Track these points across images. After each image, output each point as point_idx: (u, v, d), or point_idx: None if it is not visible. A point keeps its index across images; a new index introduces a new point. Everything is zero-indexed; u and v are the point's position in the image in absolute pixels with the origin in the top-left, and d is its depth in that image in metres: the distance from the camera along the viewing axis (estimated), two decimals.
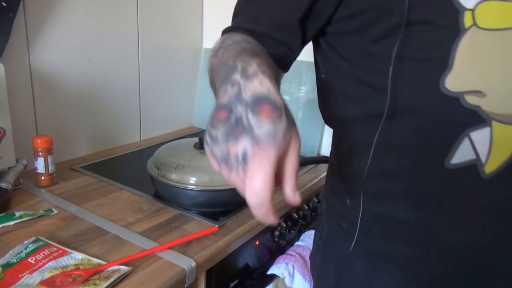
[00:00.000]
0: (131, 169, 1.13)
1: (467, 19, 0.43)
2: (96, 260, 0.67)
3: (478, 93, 0.44)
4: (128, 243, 0.74)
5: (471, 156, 0.46)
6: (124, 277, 0.64)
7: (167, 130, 1.45)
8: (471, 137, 0.45)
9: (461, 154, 0.46)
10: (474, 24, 0.43)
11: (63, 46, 1.04)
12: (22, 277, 0.62)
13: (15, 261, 0.65)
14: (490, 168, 0.45)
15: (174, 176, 0.87)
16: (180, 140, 1.04)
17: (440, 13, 0.45)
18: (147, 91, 1.32)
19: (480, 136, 0.44)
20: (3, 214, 0.79)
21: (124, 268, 0.65)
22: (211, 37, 1.49)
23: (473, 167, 0.46)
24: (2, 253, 0.67)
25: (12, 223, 0.77)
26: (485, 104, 0.44)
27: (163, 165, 0.89)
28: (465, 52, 0.43)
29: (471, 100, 0.44)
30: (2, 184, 0.84)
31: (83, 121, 1.14)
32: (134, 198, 0.92)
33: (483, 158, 0.45)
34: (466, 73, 0.44)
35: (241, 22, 0.58)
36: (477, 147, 0.45)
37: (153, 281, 0.64)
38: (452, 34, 0.44)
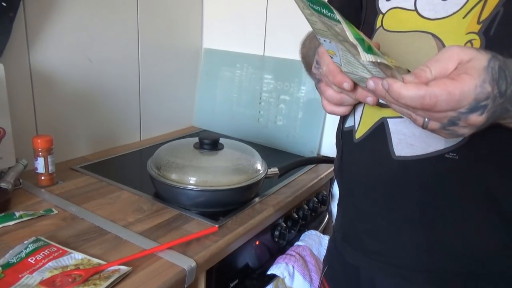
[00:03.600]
0: (131, 169, 1.13)
1: (378, 21, 0.56)
2: (96, 260, 0.67)
3: None
4: (128, 243, 0.74)
5: (352, 123, 0.60)
6: (124, 277, 0.64)
7: (167, 130, 1.45)
8: (355, 109, 0.59)
9: (349, 120, 0.61)
10: (381, 26, 0.55)
11: (63, 46, 1.04)
12: (22, 277, 0.62)
13: (15, 261, 0.65)
14: (358, 134, 0.59)
15: (174, 176, 0.87)
16: (180, 140, 1.04)
17: (370, 14, 0.58)
18: (147, 91, 1.32)
19: (358, 108, 0.59)
20: (3, 214, 0.79)
21: (124, 268, 0.65)
22: (211, 37, 1.49)
23: (351, 132, 0.60)
24: (2, 253, 0.67)
25: (12, 223, 0.77)
26: None
27: (163, 165, 0.89)
28: None
29: None
30: (2, 184, 0.84)
31: (83, 121, 1.14)
32: (134, 198, 0.92)
33: (356, 125, 0.59)
34: None
35: None
36: (356, 116, 0.59)
37: (153, 281, 0.64)
38: (370, 31, 0.57)
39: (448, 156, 0.50)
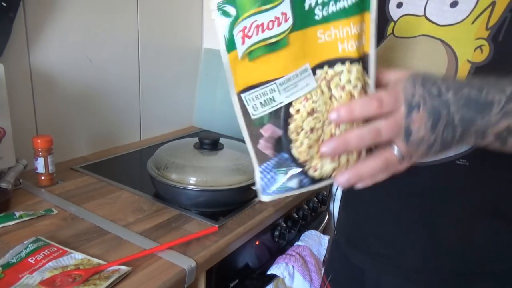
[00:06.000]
0: (131, 169, 1.13)
1: (389, 29, 0.57)
2: (96, 260, 0.67)
3: None
4: (128, 243, 0.74)
5: None
6: (124, 277, 0.64)
7: (167, 130, 1.45)
8: None
9: None
10: (392, 33, 0.56)
11: (63, 46, 1.04)
12: (22, 277, 0.62)
13: (15, 261, 0.65)
14: None
15: (174, 176, 0.87)
16: (180, 140, 1.04)
17: (379, 22, 0.56)
18: (147, 91, 1.32)
19: None
20: (3, 214, 0.79)
21: (124, 268, 0.65)
22: (211, 37, 1.49)
23: None
24: (2, 253, 0.67)
25: (12, 223, 0.77)
26: None
27: (163, 165, 0.89)
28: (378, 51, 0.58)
29: None
30: (2, 184, 0.84)
31: (83, 121, 1.14)
32: (134, 198, 0.92)
33: None
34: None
35: None
36: None
37: (153, 281, 0.64)
38: (379, 38, 0.57)
39: (458, 162, 0.51)
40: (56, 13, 1.01)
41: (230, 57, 0.43)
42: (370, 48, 0.42)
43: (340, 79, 0.42)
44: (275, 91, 0.42)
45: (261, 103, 0.43)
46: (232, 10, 0.42)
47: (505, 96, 0.40)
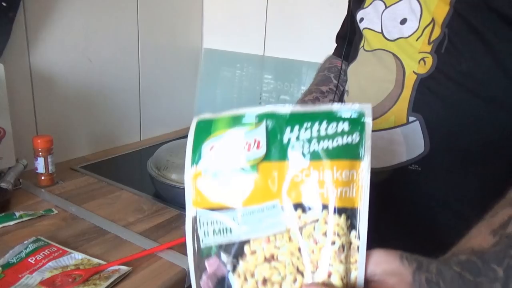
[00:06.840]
0: (131, 169, 1.13)
1: (361, 43, 0.65)
2: (96, 260, 0.67)
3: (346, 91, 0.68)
4: (128, 243, 0.74)
5: None
6: (124, 277, 0.64)
7: (167, 130, 1.45)
8: None
9: None
10: (363, 46, 0.64)
11: (63, 46, 1.04)
12: (22, 277, 0.62)
13: (15, 261, 0.65)
14: None
15: (174, 176, 0.87)
16: (180, 140, 1.04)
17: (358, 38, 0.66)
18: (147, 91, 1.31)
19: None
20: (3, 214, 0.79)
21: (124, 268, 0.65)
22: (211, 37, 1.49)
23: None
24: (2, 253, 0.67)
25: (12, 223, 0.77)
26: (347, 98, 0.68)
27: (163, 165, 0.89)
28: (354, 64, 0.67)
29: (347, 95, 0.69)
30: (2, 184, 0.84)
31: (83, 121, 1.14)
32: (134, 198, 0.92)
33: None
34: (350, 78, 0.68)
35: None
36: None
37: (153, 281, 0.64)
38: (356, 52, 0.67)
39: (411, 167, 0.55)
40: (56, 13, 1.01)
41: (193, 170, 0.39)
42: (362, 203, 0.35)
43: (314, 229, 0.34)
44: (234, 220, 0.36)
45: (214, 230, 0.36)
46: (207, 125, 0.40)
47: None
